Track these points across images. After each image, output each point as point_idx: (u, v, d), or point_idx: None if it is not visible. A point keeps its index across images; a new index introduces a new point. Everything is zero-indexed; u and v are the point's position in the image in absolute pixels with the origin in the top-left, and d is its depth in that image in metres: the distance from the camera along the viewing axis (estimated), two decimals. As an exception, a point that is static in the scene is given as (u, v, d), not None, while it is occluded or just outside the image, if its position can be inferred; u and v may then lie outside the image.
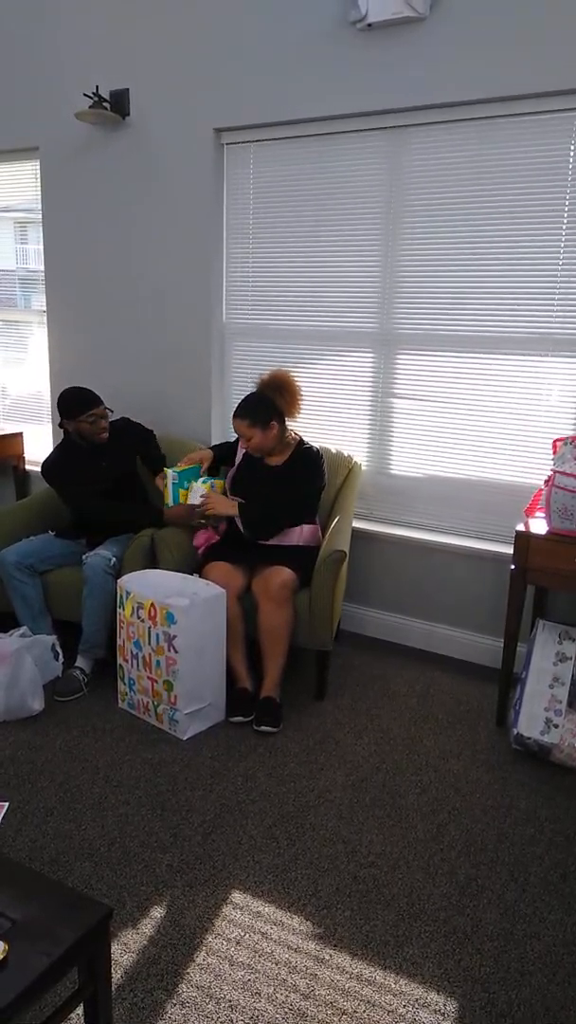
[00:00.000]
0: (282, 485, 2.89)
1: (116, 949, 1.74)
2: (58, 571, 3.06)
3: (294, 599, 2.74)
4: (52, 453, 3.11)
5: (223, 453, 3.16)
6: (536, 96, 2.67)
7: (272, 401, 2.84)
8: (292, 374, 2.93)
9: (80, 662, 2.92)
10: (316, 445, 3.00)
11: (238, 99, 3.20)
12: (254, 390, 2.92)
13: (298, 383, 2.91)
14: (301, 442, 2.97)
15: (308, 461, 2.92)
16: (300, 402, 2.91)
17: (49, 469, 3.06)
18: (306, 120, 3.10)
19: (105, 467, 3.09)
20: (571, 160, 2.69)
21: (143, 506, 3.19)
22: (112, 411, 3.09)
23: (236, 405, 2.88)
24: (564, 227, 2.75)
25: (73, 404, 2.97)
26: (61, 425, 3.04)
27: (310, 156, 3.18)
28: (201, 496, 2.94)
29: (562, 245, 2.77)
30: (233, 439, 3.19)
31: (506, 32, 2.64)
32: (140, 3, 3.35)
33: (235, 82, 3.19)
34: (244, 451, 3.00)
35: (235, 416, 2.86)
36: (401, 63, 2.84)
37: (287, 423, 2.93)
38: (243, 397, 2.89)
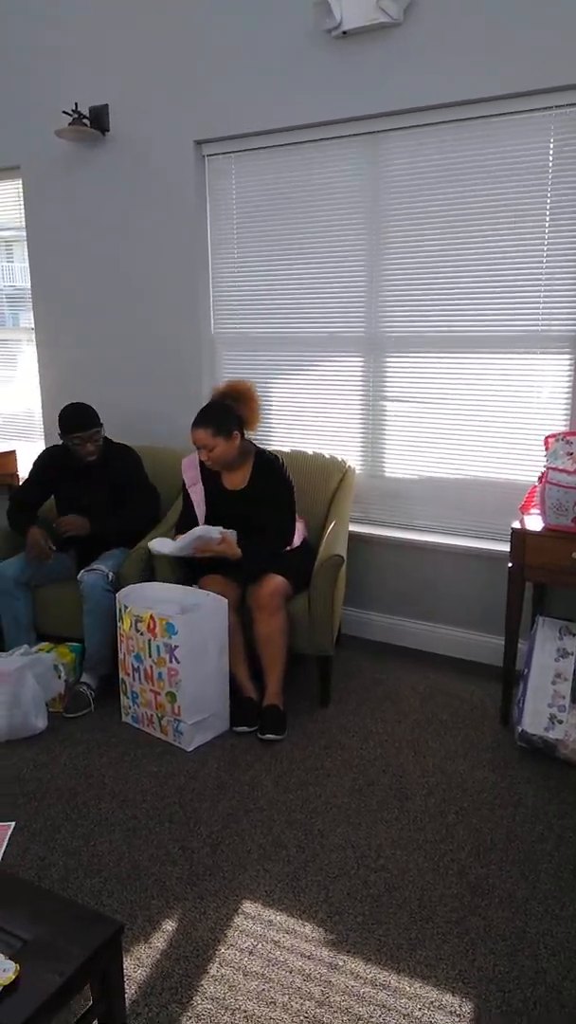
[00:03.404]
0: (255, 508, 2.80)
1: (129, 964, 1.73)
2: (51, 587, 3.06)
3: (287, 605, 2.73)
4: (52, 447, 3.20)
5: (190, 515, 2.91)
6: (513, 96, 2.69)
7: (233, 410, 2.76)
8: (254, 384, 2.86)
9: (86, 678, 2.92)
10: (259, 445, 2.90)
11: (216, 111, 3.22)
12: (212, 399, 2.84)
13: (259, 395, 2.84)
14: (259, 452, 2.87)
15: (271, 475, 2.81)
16: (260, 414, 2.84)
17: (40, 456, 3.19)
18: (285, 129, 3.12)
19: (82, 486, 3.07)
20: (551, 158, 2.71)
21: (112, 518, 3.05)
22: (100, 435, 3.03)
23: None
24: (546, 224, 2.77)
25: (62, 423, 2.99)
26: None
27: (291, 165, 3.19)
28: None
29: (545, 242, 2.78)
30: (179, 492, 2.96)
31: (481, 34, 2.67)
32: (116, 19, 3.37)
33: (213, 94, 3.21)
34: (198, 485, 2.87)
35: (196, 425, 2.71)
36: (377, 69, 2.85)
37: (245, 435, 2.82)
38: (202, 407, 2.79)
